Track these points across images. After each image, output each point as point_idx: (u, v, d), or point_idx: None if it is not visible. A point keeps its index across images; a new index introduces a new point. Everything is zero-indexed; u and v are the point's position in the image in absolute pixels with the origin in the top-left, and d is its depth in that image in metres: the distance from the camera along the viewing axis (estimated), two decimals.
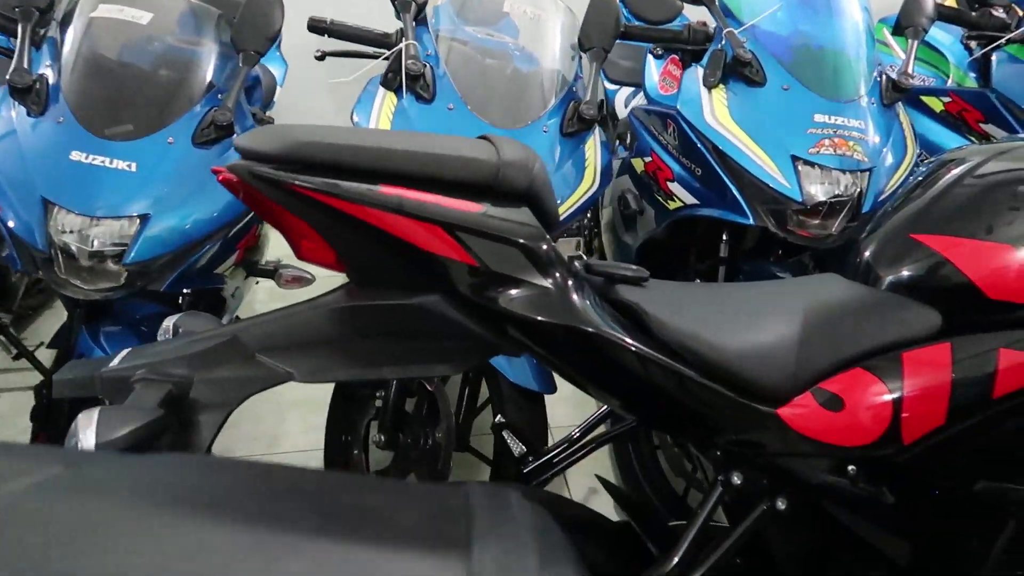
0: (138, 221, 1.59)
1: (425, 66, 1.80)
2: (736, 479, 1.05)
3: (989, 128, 2.11)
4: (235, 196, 0.93)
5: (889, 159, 1.77)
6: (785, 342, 1.04)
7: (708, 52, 1.89)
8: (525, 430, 1.70)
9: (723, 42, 1.88)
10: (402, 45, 1.81)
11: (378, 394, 1.96)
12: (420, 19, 1.96)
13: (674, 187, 1.92)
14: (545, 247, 0.93)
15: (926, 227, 1.13)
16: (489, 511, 0.43)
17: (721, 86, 1.82)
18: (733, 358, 0.99)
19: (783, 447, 1.02)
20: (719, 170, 1.76)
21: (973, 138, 2.15)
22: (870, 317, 1.12)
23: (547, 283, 0.94)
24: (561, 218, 1.69)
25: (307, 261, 1.00)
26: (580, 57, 2.01)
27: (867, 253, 1.19)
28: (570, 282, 0.95)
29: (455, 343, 0.98)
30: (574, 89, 1.90)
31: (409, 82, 1.76)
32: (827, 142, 1.70)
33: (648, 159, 2.05)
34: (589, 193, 1.74)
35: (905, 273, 1.13)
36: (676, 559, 1.02)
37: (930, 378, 1.09)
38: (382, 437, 1.91)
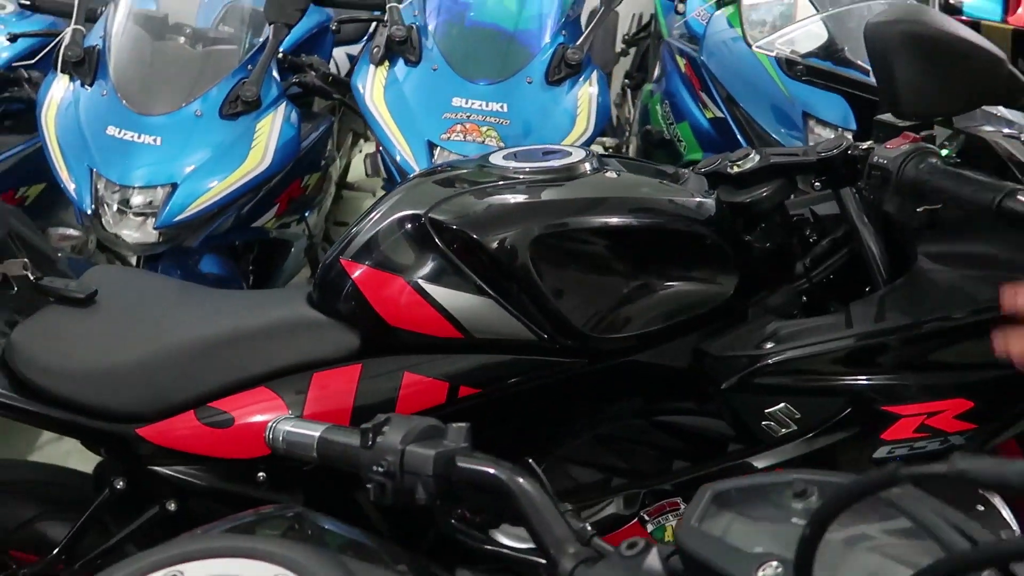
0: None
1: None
2: (120, 484, 1.16)
3: (704, 96, 2.04)
4: None
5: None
6: (160, 363, 1.14)
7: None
8: None
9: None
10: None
11: None
12: None
13: None
14: None
15: (350, 253, 1.19)
16: None
17: (387, 63, 1.83)
18: (76, 384, 1.10)
19: (157, 460, 1.13)
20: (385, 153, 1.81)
21: (700, 103, 2.08)
22: (288, 338, 1.20)
23: None
24: None
25: None
26: None
27: (317, 273, 1.25)
28: None
29: None
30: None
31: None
32: (459, 128, 1.71)
33: None
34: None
35: (332, 296, 1.20)
36: (57, 551, 1.17)
37: (335, 397, 1.17)
38: None
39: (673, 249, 1.17)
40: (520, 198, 1.15)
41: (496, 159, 1.23)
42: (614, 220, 1.14)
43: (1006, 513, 1.15)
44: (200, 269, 2.05)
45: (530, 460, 0.74)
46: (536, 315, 1.11)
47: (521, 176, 1.17)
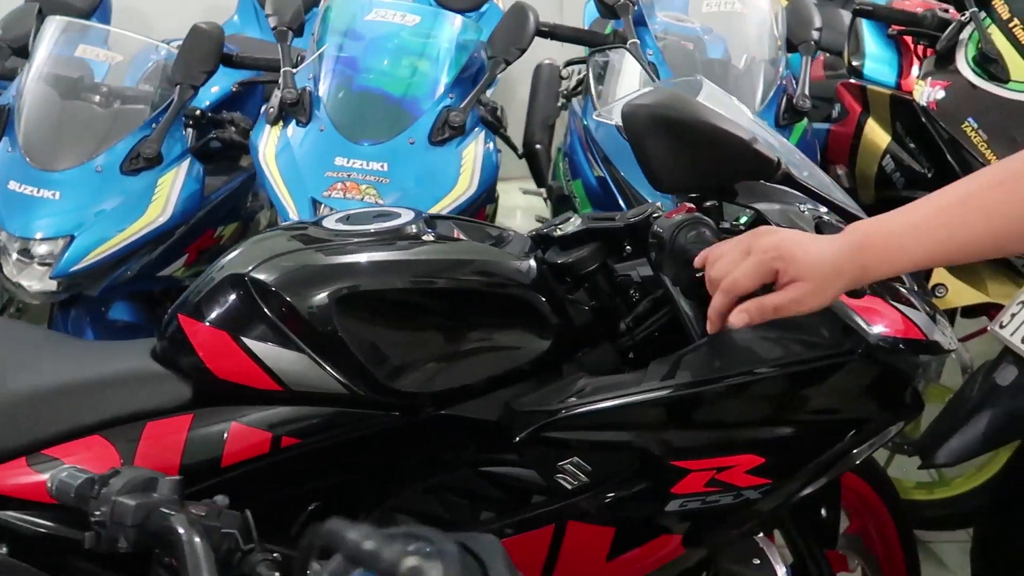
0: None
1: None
2: None
3: (590, 156, 2.12)
4: None
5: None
6: None
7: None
8: None
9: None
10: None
11: None
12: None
13: None
14: None
15: (186, 308, 1.26)
16: None
17: (281, 123, 1.93)
18: None
19: None
20: None
21: (589, 162, 2.17)
22: (125, 388, 1.27)
23: None
24: None
25: None
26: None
27: (160, 326, 1.32)
28: None
29: None
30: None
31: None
32: (339, 185, 1.81)
33: None
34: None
35: (170, 349, 1.27)
36: None
37: (165, 446, 1.23)
38: None
39: (484, 308, 1.24)
40: (334, 260, 1.22)
41: (329, 222, 1.31)
42: (421, 281, 1.22)
43: (780, 571, 1.22)
44: (110, 316, 2.13)
45: (247, 511, 0.80)
46: (347, 370, 1.18)
47: (345, 240, 1.25)
